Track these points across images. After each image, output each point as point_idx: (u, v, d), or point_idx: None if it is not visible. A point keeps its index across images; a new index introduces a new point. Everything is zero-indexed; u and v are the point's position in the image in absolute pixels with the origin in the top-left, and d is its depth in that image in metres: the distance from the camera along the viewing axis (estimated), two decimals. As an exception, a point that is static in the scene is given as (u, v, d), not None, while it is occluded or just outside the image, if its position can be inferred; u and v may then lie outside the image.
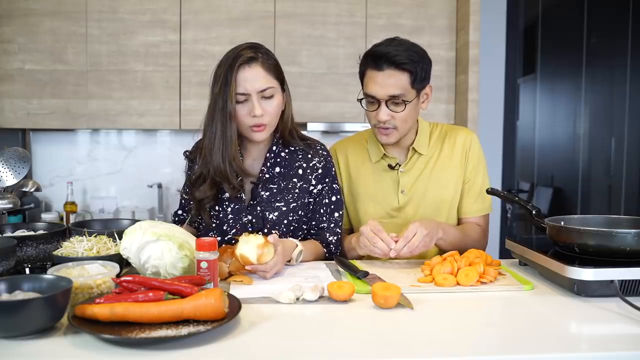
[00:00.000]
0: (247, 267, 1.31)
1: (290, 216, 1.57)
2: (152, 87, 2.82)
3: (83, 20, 2.78)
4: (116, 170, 3.20)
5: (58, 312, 0.97)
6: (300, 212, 1.59)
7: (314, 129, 2.93)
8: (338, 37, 2.88)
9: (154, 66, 2.81)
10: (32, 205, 2.60)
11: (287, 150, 1.61)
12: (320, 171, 1.61)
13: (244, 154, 1.59)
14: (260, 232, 1.52)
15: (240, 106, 1.47)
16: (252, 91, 1.46)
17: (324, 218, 1.62)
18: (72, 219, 2.91)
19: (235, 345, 0.94)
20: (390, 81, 1.54)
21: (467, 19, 2.80)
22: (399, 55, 1.52)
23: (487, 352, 0.93)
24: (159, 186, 3.12)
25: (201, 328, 0.94)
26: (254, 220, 1.56)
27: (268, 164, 1.58)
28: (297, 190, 1.58)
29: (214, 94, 1.48)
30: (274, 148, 1.59)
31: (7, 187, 1.78)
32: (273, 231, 1.54)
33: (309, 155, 1.61)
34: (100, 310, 0.96)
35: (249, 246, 1.30)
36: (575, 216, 1.44)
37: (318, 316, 1.10)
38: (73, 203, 2.94)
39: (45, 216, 2.84)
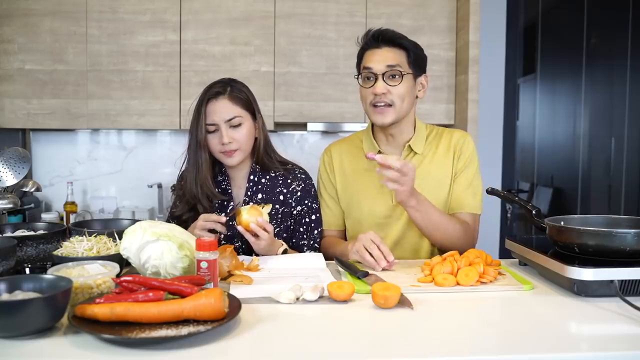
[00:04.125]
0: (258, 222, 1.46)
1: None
2: (152, 87, 2.82)
3: (83, 20, 2.78)
4: (116, 170, 3.20)
5: (58, 312, 0.97)
6: (284, 235, 1.68)
7: (313, 129, 2.93)
8: (338, 37, 2.87)
9: (154, 66, 2.81)
10: (32, 205, 2.61)
11: (267, 177, 1.71)
12: (299, 194, 1.70)
13: (231, 183, 1.73)
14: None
15: (211, 135, 1.63)
16: (219, 121, 1.61)
17: (304, 236, 1.70)
18: (72, 219, 2.91)
19: (235, 345, 0.94)
20: (388, 55, 1.61)
21: (467, 19, 2.79)
22: (396, 34, 1.63)
23: (487, 352, 0.94)
24: (159, 186, 3.11)
25: (201, 328, 0.95)
26: (244, 247, 1.64)
27: (249, 192, 1.70)
28: (279, 216, 1.68)
29: (190, 126, 1.65)
30: (252, 176, 1.69)
31: (7, 187, 1.78)
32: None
33: (289, 181, 1.71)
34: (100, 310, 0.96)
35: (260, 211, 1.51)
36: (575, 216, 1.45)
37: (318, 316, 1.10)
38: (73, 203, 2.94)
39: (45, 216, 2.83)
